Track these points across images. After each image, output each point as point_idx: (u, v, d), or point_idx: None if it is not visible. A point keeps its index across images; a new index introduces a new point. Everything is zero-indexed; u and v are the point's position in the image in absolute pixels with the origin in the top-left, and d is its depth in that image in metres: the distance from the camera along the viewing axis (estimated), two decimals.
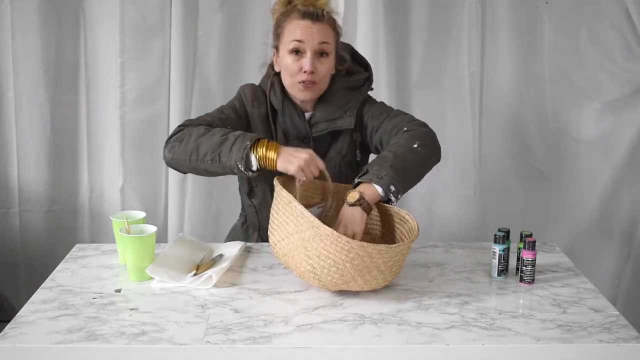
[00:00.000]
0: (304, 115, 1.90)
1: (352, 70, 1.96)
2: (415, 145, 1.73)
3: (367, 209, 1.63)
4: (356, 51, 2.02)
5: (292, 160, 1.66)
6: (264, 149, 1.68)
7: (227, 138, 1.71)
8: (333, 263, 1.54)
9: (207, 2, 2.58)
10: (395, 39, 2.60)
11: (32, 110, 2.61)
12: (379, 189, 1.64)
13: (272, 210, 1.65)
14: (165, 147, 1.81)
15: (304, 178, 1.66)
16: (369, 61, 2.53)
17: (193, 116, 2.62)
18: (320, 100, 1.90)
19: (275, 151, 1.68)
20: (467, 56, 2.62)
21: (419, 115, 2.63)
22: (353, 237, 1.59)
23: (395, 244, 1.57)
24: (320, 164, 1.68)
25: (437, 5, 2.60)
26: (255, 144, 1.68)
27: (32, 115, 2.62)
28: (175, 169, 1.85)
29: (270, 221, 1.66)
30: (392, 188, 1.64)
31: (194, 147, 1.74)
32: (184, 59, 2.58)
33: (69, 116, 2.66)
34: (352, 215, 1.62)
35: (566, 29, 2.60)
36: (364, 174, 1.67)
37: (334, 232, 1.51)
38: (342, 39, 2.37)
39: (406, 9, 2.60)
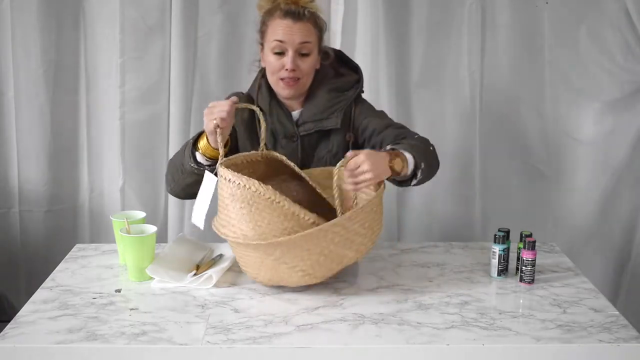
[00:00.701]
0: (290, 115, 1.92)
1: (341, 72, 1.98)
2: (431, 148, 1.80)
3: (394, 169, 1.63)
4: (345, 55, 2.03)
5: (206, 127, 1.71)
6: (202, 140, 1.77)
7: (183, 147, 1.84)
8: (317, 256, 1.55)
9: (207, 2, 2.58)
10: (395, 39, 2.60)
11: (32, 110, 2.61)
12: (410, 157, 1.67)
13: (238, 256, 1.68)
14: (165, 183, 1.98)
15: (216, 122, 1.66)
16: (370, 62, 2.56)
17: (193, 116, 2.63)
18: (308, 100, 1.93)
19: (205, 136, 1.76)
20: (467, 56, 2.62)
21: (419, 115, 2.65)
22: (365, 176, 1.54)
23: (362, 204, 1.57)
24: (225, 102, 1.69)
25: (437, 5, 2.59)
26: (197, 141, 1.79)
27: (32, 115, 2.61)
28: (181, 197, 1.97)
29: (239, 261, 1.68)
30: (422, 165, 1.69)
31: (172, 168, 1.88)
32: (184, 59, 2.57)
33: (69, 116, 2.65)
34: (381, 162, 1.60)
35: (566, 29, 2.60)
36: (397, 144, 1.71)
37: (302, 234, 1.51)
38: (343, 41, 2.38)
39: (406, 9, 2.60)
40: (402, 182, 1.73)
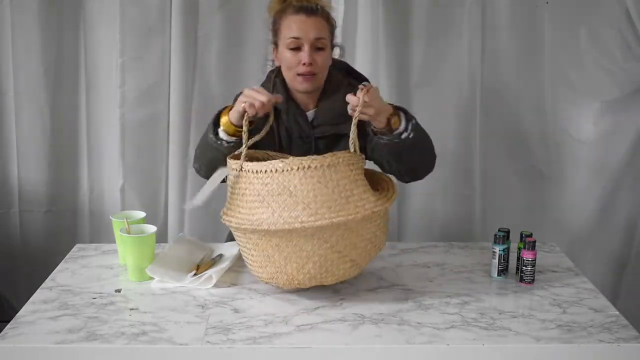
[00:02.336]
0: (306, 115, 1.93)
1: (352, 84, 1.99)
2: (429, 138, 1.80)
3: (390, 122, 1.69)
4: (352, 67, 2.04)
5: (236, 105, 1.69)
6: (224, 116, 1.73)
7: (211, 121, 1.80)
8: (366, 243, 1.56)
9: (207, 2, 2.58)
10: (396, 40, 2.60)
11: (32, 110, 2.61)
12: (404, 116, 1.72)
13: (266, 250, 1.59)
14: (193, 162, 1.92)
15: (244, 105, 1.65)
16: (370, 62, 2.56)
17: (193, 116, 2.63)
18: (323, 101, 1.93)
19: (227, 113, 1.72)
20: (467, 56, 2.62)
21: (419, 115, 2.63)
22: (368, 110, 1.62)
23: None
24: (264, 95, 1.67)
25: (437, 5, 2.59)
26: (221, 114, 1.75)
27: (32, 115, 2.62)
28: (203, 174, 1.90)
29: (266, 259, 1.60)
30: (413, 121, 1.72)
31: (200, 142, 1.83)
32: (184, 59, 2.57)
33: (69, 116, 2.66)
34: (384, 107, 1.67)
35: (566, 29, 2.60)
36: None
37: (369, 211, 1.52)
38: (343, 41, 2.37)
39: (406, 9, 2.60)
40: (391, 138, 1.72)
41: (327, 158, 1.52)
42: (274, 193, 1.51)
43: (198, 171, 1.89)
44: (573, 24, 2.59)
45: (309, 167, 1.51)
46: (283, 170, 1.51)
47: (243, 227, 1.55)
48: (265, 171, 1.52)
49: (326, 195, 1.50)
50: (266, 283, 1.64)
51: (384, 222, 1.62)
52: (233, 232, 1.64)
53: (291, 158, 1.52)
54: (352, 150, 1.59)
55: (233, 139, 1.72)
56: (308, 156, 1.53)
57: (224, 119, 1.73)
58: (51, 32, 2.57)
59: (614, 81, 2.61)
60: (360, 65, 2.52)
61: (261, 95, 1.66)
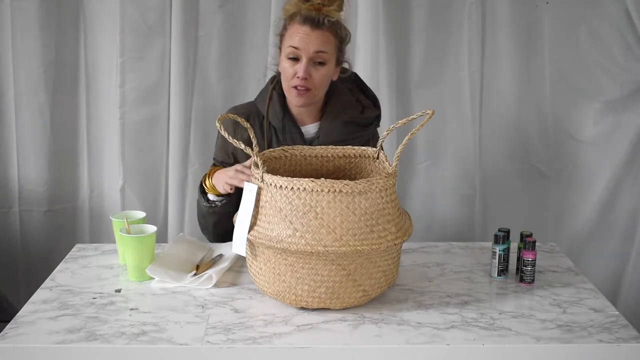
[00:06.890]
0: (302, 134, 1.93)
1: (361, 101, 1.98)
2: None
3: None
4: (362, 81, 2.04)
5: (219, 182, 1.81)
6: (208, 180, 1.87)
7: (198, 190, 1.93)
8: (381, 274, 1.54)
9: (207, 2, 2.58)
10: (395, 40, 2.60)
11: (32, 110, 2.61)
12: None
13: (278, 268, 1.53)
14: None
15: (230, 190, 1.78)
16: (370, 62, 2.56)
17: (193, 116, 2.63)
18: (327, 122, 1.93)
19: (210, 177, 1.86)
20: (467, 56, 2.62)
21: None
22: None
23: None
24: (246, 170, 1.73)
25: (437, 5, 2.59)
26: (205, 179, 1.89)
27: (32, 115, 2.61)
28: (214, 238, 2.00)
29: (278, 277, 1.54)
30: None
31: (198, 213, 1.98)
32: (184, 59, 2.57)
33: (69, 116, 2.66)
34: None
35: (566, 29, 2.60)
36: None
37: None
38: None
39: (406, 9, 2.60)
40: None
41: (360, 184, 1.47)
42: (298, 212, 1.47)
43: (207, 236, 2.01)
44: (573, 24, 2.59)
45: (340, 191, 1.46)
46: (312, 190, 1.46)
47: (259, 241, 1.50)
48: (292, 188, 1.47)
49: (353, 222, 1.47)
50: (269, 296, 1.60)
51: (398, 257, 1.61)
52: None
53: (322, 179, 1.47)
54: (394, 163, 1.57)
55: (223, 197, 1.84)
56: (340, 180, 1.49)
57: (208, 184, 1.85)
58: (51, 32, 2.57)
59: (614, 81, 2.61)
60: (360, 65, 2.53)
61: (245, 175, 1.71)
